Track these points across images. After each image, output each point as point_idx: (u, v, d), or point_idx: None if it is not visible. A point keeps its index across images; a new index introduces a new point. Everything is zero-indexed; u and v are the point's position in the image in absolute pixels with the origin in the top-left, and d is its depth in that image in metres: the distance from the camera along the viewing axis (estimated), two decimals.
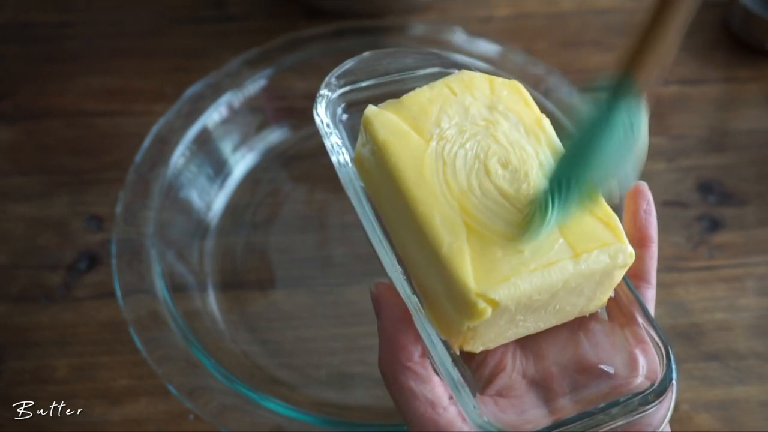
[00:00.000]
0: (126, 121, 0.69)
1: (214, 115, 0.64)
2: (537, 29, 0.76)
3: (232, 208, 0.64)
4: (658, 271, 0.60)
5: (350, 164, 0.40)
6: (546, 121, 0.39)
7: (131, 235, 0.57)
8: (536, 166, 0.38)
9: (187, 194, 0.62)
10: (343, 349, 0.57)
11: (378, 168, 0.39)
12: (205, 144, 0.63)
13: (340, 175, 0.40)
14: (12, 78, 0.72)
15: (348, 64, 0.42)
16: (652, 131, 0.69)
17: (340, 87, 0.42)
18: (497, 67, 0.62)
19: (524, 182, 0.37)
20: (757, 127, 0.69)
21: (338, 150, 0.41)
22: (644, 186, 0.40)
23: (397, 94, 0.40)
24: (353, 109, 0.42)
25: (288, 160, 0.67)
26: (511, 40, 0.69)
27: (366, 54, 0.42)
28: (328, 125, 0.41)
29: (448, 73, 0.42)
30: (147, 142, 0.61)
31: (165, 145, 0.61)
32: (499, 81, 0.41)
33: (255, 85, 0.65)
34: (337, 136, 0.41)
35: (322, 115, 0.41)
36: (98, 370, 0.57)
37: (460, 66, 0.43)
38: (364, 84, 0.42)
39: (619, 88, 0.36)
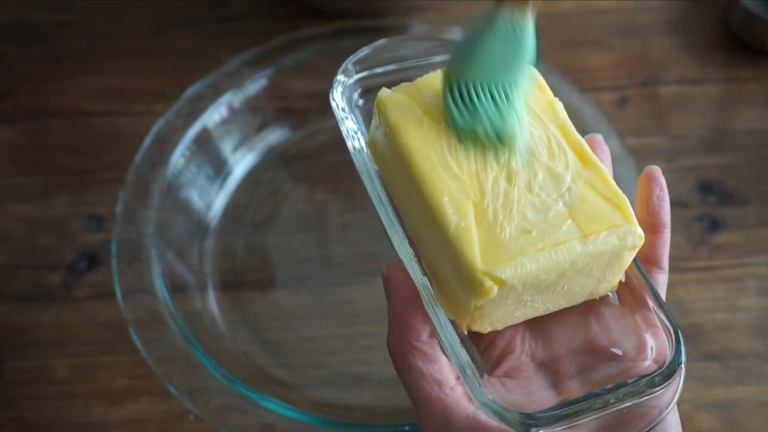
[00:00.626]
0: (126, 121, 0.69)
1: (214, 115, 0.64)
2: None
3: (232, 208, 0.64)
4: None
5: (365, 149, 0.41)
6: (559, 105, 0.40)
7: (131, 235, 0.57)
8: (546, 149, 0.38)
9: (187, 194, 0.62)
10: (343, 349, 0.57)
11: (390, 150, 0.39)
12: (205, 144, 0.63)
13: (355, 160, 0.40)
14: (12, 78, 0.72)
15: (365, 50, 0.42)
16: (652, 131, 0.70)
17: (357, 72, 0.42)
18: None
19: (535, 164, 0.37)
20: (757, 127, 0.69)
21: (353, 135, 0.41)
22: (657, 171, 0.40)
23: (413, 80, 0.40)
24: (370, 94, 0.42)
25: (288, 160, 0.67)
26: None
27: (382, 41, 0.42)
28: (343, 110, 0.41)
29: None
30: (147, 142, 0.61)
31: (165, 145, 0.61)
32: None
33: (255, 85, 0.65)
34: (352, 121, 0.41)
35: (338, 100, 0.41)
36: (98, 370, 0.57)
37: None
38: (380, 70, 0.42)
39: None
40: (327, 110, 0.61)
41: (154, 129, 0.62)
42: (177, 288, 0.57)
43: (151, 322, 0.53)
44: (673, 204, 0.64)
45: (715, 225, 0.63)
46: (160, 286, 0.55)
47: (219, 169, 0.65)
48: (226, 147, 0.65)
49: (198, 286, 0.59)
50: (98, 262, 0.62)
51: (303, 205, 0.64)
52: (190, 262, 0.60)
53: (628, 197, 0.38)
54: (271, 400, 0.51)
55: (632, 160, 0.59)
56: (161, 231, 0.58)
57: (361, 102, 0.42)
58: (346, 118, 0.41)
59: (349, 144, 0.41)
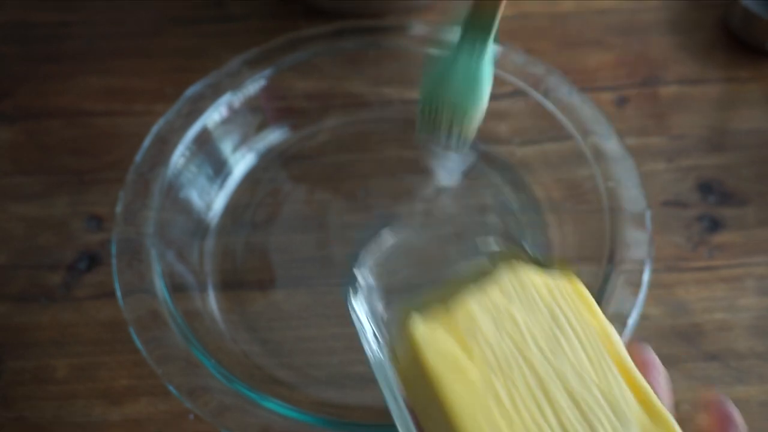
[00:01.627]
0: (126, 121, 0.69)
1: (214, 115, 0.64)
2: (537, 29, 0.76)
3: (232, 208, 0.64)
4: (658, 271, 0.61)
5: (383, 355, 0.36)
6: (614, 334, 0.35)
7: (131, 235, 0.57)
8: (607, 402, 0.33)
9: (187, 194, 0.62)
10: (343, 348, 0.57)
11: (424, 388, 0.34)
12: (205, 144, 0.63)
13: (375, 371, 0.36)
14: (12, 78, 0.72)
15: (378, 252, 0.39)
16: (652, 131, 0.70)
17: (376, 275, 0.39)
18: (497, 68, 0.62)
19: (595, 421, 0.32)
20: (757, 127, 0.69)
21: (373, 340, 0.37)
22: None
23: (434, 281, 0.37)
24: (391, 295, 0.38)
25: (288, 160, 0.67)
26: (511, 40, 0.69)
27: (395, 238, 0.40)
28: (365, 319, 0.38)
29: (493, 260, 0.37)
30: (147, 142, 0.61)
31: (165, 145, 0.61)
32: (557, 283, 0.36)
33: (255, 85, 0.65)
34: (372, 326, 0.37)
35: (358, 310, 0.38)
36: (98, 370, 0.57)
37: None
38: (401, 272, 0.39)
39: (467, 28, 0.46)
40: (327, 110, 0.62)
41: (154, 129, 0.62)
42: (177, 288, 0.57)
43: (151, 322, 0.53)
44: (673, 204, 0.64)
45: (715, 225, 0.63)
46: (160, 286, 0.55)
47: (219, 169, 0.65)
48: (226, 147, 0.65)
49: (198, 286, 0.59)
50: (98, 262, 0.62)
51: (303, 205, 0.64)
52: (190, 262, 0.60)
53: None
54: (271, 400, 0.51)
55: (632, 160, 0.59)
56: (161, 231, 0.58)
57: (385, 317, 0.38)
58: (367, 327, 0.37)
59: (366, 348, 0.37)
